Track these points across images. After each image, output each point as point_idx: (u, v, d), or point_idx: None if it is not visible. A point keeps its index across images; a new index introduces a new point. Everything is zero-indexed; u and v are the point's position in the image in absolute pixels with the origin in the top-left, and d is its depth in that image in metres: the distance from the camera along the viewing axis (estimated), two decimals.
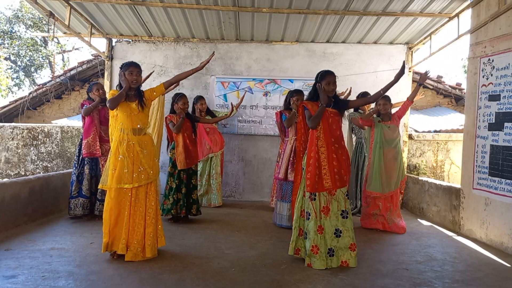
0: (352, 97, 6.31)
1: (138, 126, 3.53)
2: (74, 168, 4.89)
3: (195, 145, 4.97)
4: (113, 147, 3.51)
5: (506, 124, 4.11)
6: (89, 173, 4.83)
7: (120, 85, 3.57)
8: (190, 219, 5.02)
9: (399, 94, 6.76)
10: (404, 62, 3.63)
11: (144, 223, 3.49)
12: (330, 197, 3.46)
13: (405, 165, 6.83)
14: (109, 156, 3.53)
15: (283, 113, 4.98)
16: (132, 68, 3.55)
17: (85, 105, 4.85)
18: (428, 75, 4.78)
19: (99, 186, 3.59)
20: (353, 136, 5.92)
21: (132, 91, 3.55)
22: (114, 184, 3.43)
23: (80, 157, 4.86)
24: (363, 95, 5.67)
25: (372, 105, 5.72)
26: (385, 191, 4.77)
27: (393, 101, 5.11)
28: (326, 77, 3.52)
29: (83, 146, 4.80)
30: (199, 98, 6.06)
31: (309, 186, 3.41)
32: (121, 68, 3.59)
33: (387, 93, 5.08)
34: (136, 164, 3.49)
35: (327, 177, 3.41)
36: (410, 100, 4.92)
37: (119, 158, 3.45)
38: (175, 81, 3.75)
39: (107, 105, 3.45)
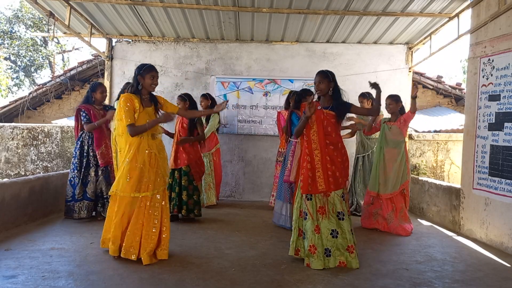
0: (353, 97, 6.29)
1: (156, 131, 3.52)
2: (75, 171, 4.79)
3: (189, 146, 4.87)
4: (129, 154, 3.38)
5: (506, 124, 4.11)
6: (95, 176, 4.80)
7: (134, 87, 3.46)
8: (183, 219, 4.95)
9: (399, 94, 6.73)
10: (369, 82, 3.67)
11: (160, 226, 3.45)
12: (325, 198, 3.45)
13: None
14: (124, 162, 3.40)
15: (295, 113, 4.71)
16: (154, 73, 3.48)
17: (83, 111, 4.74)
18: (417, 89, 4.75)
19: (110, 193, 3.46)
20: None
21: (147, 95, 3.51)
22: (128, 192, 3.34)
23: (85, 160, 4.78)
24: (364, 95, 5.68)
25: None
26: (381, 191, 4.77)
27: None
28: (314, 79, 3.57)
29: (98, 157, 4.75)
30: (200, 96, 6.12)
31: (302, 188, 3.46)
32: (140, 69, 3.46)
33: (393, 93, 5.13)
34: (154, 171, 3.44)
35: (321, 180, 3.41)
36: (412, 112, 4.79)
37: (138, 166, 3.36)
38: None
39: (129, 131, 3.33)
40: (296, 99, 4.80)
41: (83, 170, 4.79)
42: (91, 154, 4.81)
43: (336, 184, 3.43)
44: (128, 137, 3.40)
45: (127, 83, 5.75)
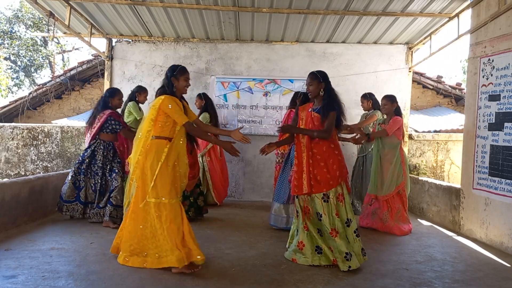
0: (353, 97, 6.30)
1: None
2: (81, 175, 4.66)
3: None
4: (172, 158, 3.24)
5: (506, 124, 4.12)
6: (113, 183, 4.69)
7: (170, 89, 3.35)
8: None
9: (399, 94, 6.76)
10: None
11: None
12: (308, 198, 3.53)
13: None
14: (163, 168, 3.20)
15: None
16: (187, 74, 3.42)
17: (114, 119, 4.62)
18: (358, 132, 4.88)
19: (152, 201, 3.17)
20: None
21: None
22: (174, 197, 3.21)
23: (100, 170, 4.65)
24: (365, 96, 5.68)
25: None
26: (378, 193, 4.79)
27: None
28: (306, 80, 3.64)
29: (126, 164, 4.61)
30: (196, 96, 6.12)
31: (291, 189, 3.62)
32: (173, 71, 3.36)
33: (393, 93, 5.15)
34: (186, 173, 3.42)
35: (305, 182, 3.47)
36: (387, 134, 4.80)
37: (177, 170, 3.28)
38: (202, 128, 3.59)
39: (189, 127, 3.29)
40: (303, 99, 4.71)
41: (99, 178, 4.66)
42: (107, 162, 4.70)
43: (318, 187, 3.45)
44: (168, 141, 3.28)
45: (138, 86, 5.63)
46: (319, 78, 3.54)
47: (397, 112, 4.88)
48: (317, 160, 3.49)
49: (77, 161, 4.79)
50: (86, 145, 4.83)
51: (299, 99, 5.05)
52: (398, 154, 4.79)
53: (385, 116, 5.06)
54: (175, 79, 3.36)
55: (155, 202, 3.18)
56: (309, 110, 3.62)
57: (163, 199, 3.17)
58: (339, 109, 3.51)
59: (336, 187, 3.47)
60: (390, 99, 4.87)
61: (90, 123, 4.73)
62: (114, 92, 4.81)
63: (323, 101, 3.53)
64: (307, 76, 3.61)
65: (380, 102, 5.15)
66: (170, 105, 3.24)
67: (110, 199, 4.61)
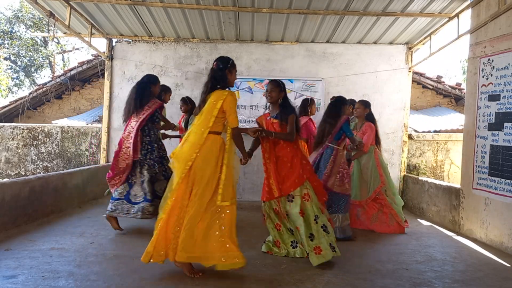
0: (352, 97, 6.30)
1: None
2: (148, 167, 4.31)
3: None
4: (229, 160, 3.12)
5: (506, 124, 4.12)
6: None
7: (220, 81, 3.17)
8: None
9: (399, 94, 6.79)
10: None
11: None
12: (277, 201, 3.65)
13: (404, 168, 6.82)
14: (227, 170, 3.11)
15: (347, 121, 4.47)
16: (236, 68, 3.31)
17: (159, 112, 4.43)
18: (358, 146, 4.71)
19: (225, 204, 3.07)
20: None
21: None
22: (231, 199, 3.13)
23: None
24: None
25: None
26: (359, 198, 4.82)
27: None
28: (267, 86, 3.74)
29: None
30: (180, 100, 5.96)
31: (262, 196, 3.72)
32: (227, 63, 3.18)
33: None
34: None
35: (274, 187, 3.57)
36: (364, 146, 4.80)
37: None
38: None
39: (236, 132, 3.16)
40: (340, 106, 4.49)
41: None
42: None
43: (285, 190, 3.57)
44: (221, 137, 3.19)
45: (163, 86, 5.30)
46: (280, 87, 3.69)
47: (370, 117, 4.92)
48: (284, 162, 3.62)
49: (145, 150, 4.30)
50: (133, 133, 4.25)
51: (310, 106, 5.11)
52: (372, 158, 4.85)
53: (356, 120, 5.08)
54: (229, 72, 3.18)
55: (223, 205, 3.06)
56: (268, 119, 3.77)
57: (232, 200, 3.10)
58: (296, 113, 3.71)
59: (301, 187, 3.56)
60: (364, 104, 4.94)
61: (139, 106, 4.29)
62: (157, 80, 4.47)
63: (280, 107, 3.68)
64: (269, 83, 3.73)
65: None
66: (232, 103, 3.09)
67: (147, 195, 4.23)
